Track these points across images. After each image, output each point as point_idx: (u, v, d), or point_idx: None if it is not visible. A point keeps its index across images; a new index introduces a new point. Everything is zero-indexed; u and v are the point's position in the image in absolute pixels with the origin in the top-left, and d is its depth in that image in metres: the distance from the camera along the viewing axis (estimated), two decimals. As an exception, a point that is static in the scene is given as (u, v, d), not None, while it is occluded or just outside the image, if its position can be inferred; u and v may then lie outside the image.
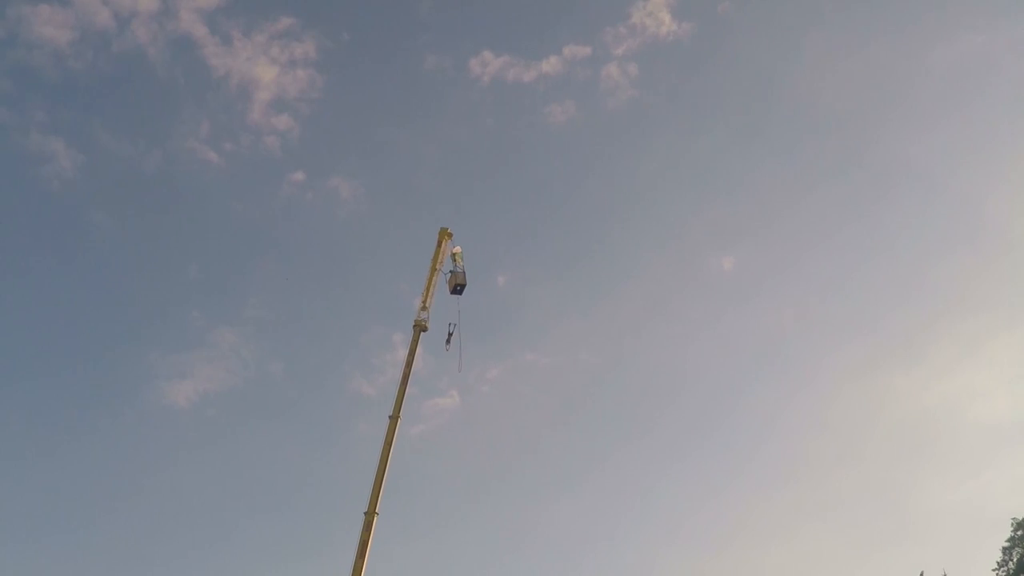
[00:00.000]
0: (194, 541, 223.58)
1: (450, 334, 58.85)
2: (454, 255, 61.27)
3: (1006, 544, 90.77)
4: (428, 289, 59.34)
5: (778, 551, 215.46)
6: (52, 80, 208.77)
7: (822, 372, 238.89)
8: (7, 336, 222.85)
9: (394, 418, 53.39)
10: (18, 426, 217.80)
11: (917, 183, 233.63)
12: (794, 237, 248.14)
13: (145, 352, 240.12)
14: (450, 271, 60.74)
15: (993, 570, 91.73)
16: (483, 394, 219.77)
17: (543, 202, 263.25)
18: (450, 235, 61.63)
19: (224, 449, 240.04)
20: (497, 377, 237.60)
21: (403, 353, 57.07)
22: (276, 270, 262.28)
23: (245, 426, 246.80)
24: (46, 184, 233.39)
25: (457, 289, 60.43)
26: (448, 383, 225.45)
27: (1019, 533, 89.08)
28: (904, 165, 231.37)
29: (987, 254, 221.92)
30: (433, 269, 60.11)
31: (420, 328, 57.64)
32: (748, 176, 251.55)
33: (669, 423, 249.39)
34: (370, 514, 50.30)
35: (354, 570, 48.72)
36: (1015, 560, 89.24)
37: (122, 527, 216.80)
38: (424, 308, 58.50)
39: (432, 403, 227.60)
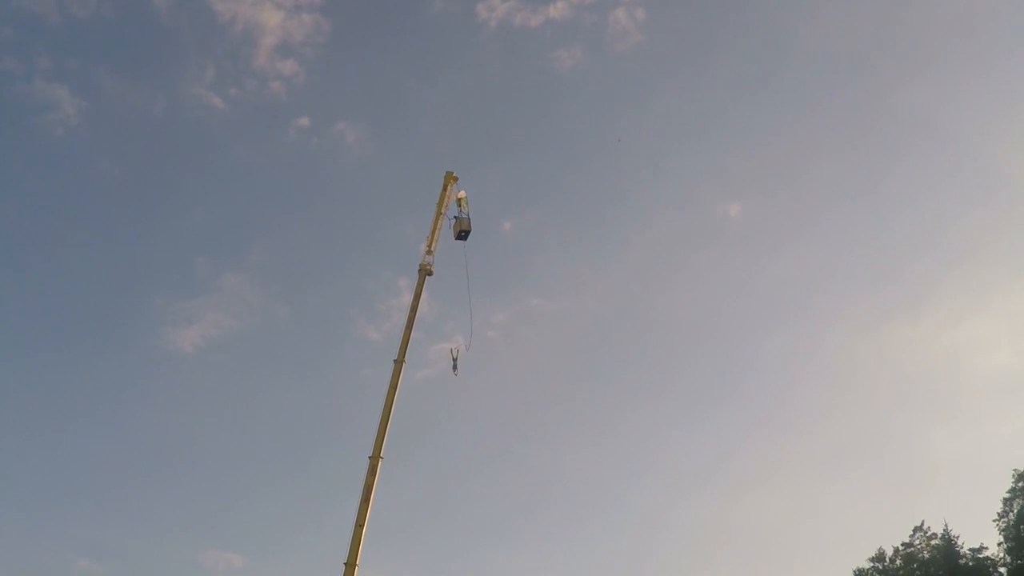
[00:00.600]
0: (199, 485, 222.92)
1: (455, 360, 57.27)
2: (459, 200, 60.52)
3: (1007, 495, 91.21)
4: (433, 233, 58.74)
5: (784, 499, 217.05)
6: (56, 27, 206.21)
7: (822, 318, 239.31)
8: (14, 284, 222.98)
9: (399, 362, 53.10)
10: (25, 373, 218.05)
11: (928, 136, 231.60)
12: (803, 186, 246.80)
13: (151, 298, 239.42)
14: (455, 216, 60.03)
15: (993, 520, 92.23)
16: (489, 339, 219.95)
17: (550, 148, 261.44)
18: (455, 179, 60.95)
19: (230, 394, 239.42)
20: (503, 322, 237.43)
21: (409, 298, 56.75)
22: (282, 216, 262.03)
23: (251, 371, 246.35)
24: (50, 131, 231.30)
25: (461, 235, 59.82)
26: (454, 327, 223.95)
27: (1020, 484, 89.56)
28: (917, 118, 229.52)
29: (997, 208, 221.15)
30: (438, 213, 59.45)
31: (425, 272, 57.16)
32: (757, 124, 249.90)
33: (675, 371, 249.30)
34: (375, 458, 50.07)
35: (359, 514, 48.54)
36: (1015, 511, 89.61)
37: (128, 471, 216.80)
38: (429, 252, 57.95)
39: (437, 348, 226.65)
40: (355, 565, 47.34)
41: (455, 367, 56.89)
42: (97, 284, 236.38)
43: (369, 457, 50.17)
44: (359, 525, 48.15)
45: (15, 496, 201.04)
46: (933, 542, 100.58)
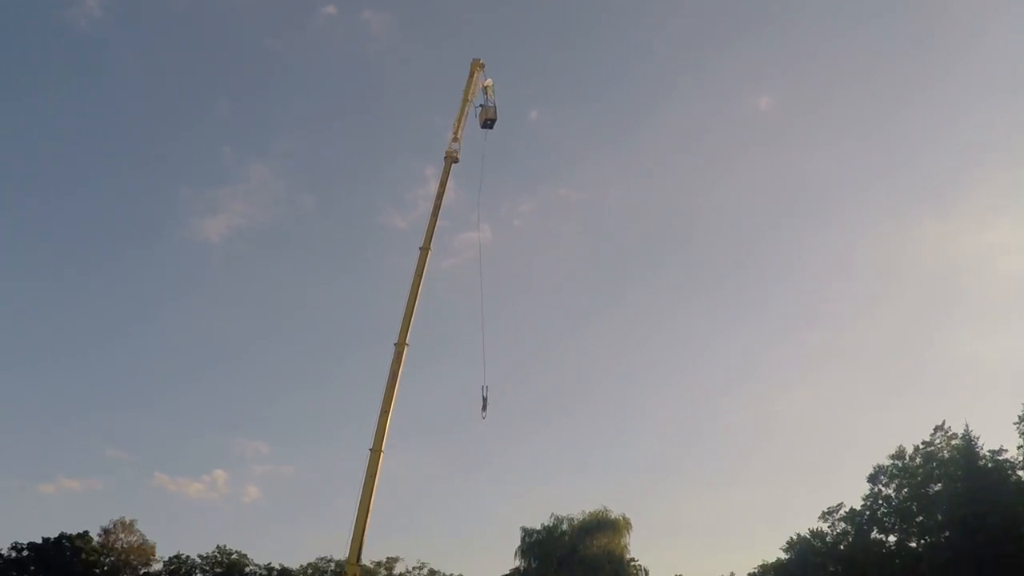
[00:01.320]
0: (226, 374, 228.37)
1: (484, 399, 51.87)
2: (486, 88, 59.98)
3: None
4: (459, 121, 58.12)
5: (798, 393, 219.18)
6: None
7: (851, 216, 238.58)
8: (42, 174, 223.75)
9: (424, 249, 52.93)
10: (52, 260, 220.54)
11: (958, 30, 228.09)
12: (832, 78, 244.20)
13: (176, 188, 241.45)
14: (481, 105, 59.35)
15: (1014, 423, 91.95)
16: (515, 228, 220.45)
17: (579, 38, 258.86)
18: (482, 66, 60.09)
19: (256, 284, 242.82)
20: (529, 211, 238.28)
21: (435, 186, 56.32)
22: (308, 105, 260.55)
23: (277, 261, 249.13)
24: (75, 25, 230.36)
25: (487, 124, 59.42)
26: (480, 216, 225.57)
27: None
28: (945, 10, 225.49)
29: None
30: (465, 100, 58.79)
31: (451, 160, 56.67)
32: (787, 14, 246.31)
33: (698, 260, 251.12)
34: (400, 345, 50.15)
35: (384, 400, 48.80)
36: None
37: (154, 361, 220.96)
38: (455, 139, 57.43)
39: (463, 237, 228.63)
40: (380, 451, 47.71)
41: (484, 407, 52.02)
42: (123, 175, 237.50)
43: (395, 344, 50.21)
44: (384, 412, 48.49)
45: (44, 384, 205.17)
46: (953, 442, 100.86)
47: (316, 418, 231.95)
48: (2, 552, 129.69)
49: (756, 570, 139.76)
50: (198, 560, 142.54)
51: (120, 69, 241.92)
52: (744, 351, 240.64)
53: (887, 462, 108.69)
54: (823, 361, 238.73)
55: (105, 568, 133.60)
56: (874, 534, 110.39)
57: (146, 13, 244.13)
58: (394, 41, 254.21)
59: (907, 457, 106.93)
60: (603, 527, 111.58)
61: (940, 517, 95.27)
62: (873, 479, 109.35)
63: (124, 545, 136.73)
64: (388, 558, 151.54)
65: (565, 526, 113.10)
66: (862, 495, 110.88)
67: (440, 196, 55.08)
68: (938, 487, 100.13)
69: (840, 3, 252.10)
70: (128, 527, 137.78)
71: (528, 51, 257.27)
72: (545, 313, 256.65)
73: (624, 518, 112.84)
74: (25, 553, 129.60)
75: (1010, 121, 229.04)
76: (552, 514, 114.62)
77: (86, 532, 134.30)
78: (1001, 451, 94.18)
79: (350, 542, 46.07)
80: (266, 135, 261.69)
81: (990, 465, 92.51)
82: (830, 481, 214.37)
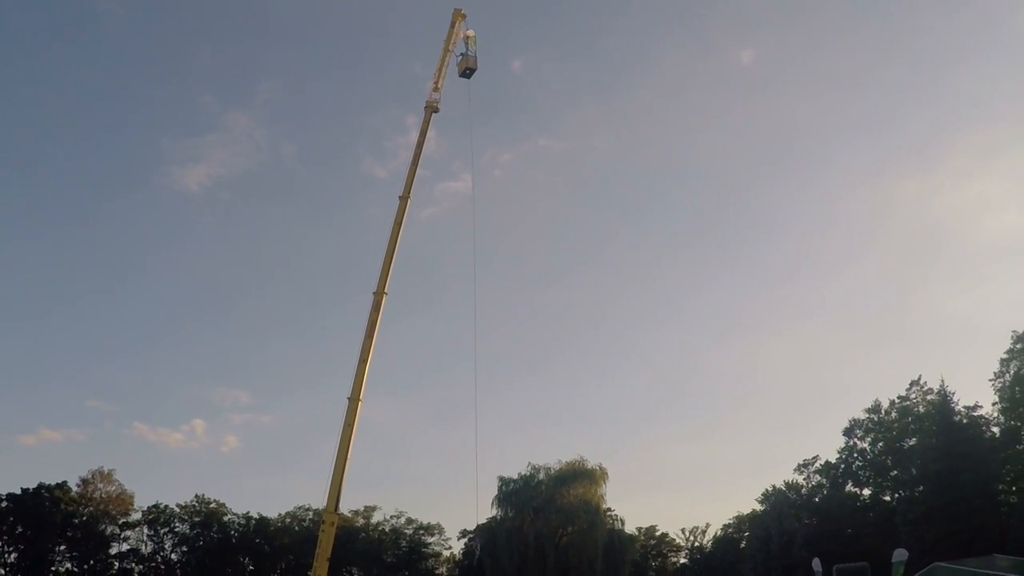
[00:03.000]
0: (206, 324, 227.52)
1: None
2: (467, 38, 59.51)
3: (1004, 356, 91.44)
4: (440, 70, 57.69)
5: (779, 343, 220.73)
6: None
7: (832, 170, 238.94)
8: (22, 123, 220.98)
9: (404, 198, 52.73)
10: (32, 209, 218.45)
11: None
12: (816, 32, 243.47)
13: (157, 137, 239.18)
14: (461, 54, 58.96)
15: (990, 380, 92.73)
16: (495, 178, 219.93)
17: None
18: (463, 16, 59.68)
19: (236, 233, 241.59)
20: (510, 161, 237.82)
21: (415, 136, 55.93)
22: (288, 54, 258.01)
23: (257, 210, 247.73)
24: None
25: (466, 73, 59.22)
26: (460, 166, 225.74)
27: (1018, 346, 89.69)
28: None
29: (1010, 63, 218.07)
30: (445, 50, 58.42)
31: (431, 109, 56.37)
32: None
33: (678, 213, 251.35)
34: (379, 294, 50.03)
35: (363, 350, 48.73)
36: (1012, 372, 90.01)
37: (134, 311, 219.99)
38: (436, 89, 57.00)
39: (444, 186, 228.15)
40: (358, 400, 47.75)
41: None
42: (103, 123, 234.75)
43: (373, 293, 50.08)
44: (363, 361, 48.44)
45: (24, 336, 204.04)
46: (929, 397, 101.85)
47: (296, 367, 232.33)
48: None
49: (731, 521, 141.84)
50: (176, 509, 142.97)
51: (99, 16, 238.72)
52: (724, 303, 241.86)
53: (863, 416, 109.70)
54: (804, 314, 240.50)
55: (84, 518, 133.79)
56: (849, 487, 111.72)
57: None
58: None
59: (883, 411, 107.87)
60: (580, 477, 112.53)
61: (914, 471, 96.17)
62: (848, 432, 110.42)
63: (103, 495, 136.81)
64: (366, 507, 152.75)
65: (542, 475, 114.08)
66: (837, 448, 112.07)
67: (420, 146, 54.78)
68: (913, 442, 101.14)
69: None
70: (107, 477, 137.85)
71: (512, 1, 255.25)
72: (525, 264, 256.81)
73: (601, 468, 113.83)
74: (3, 504, 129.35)
75: (992, 78, 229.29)
76: (529, 463, 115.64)
77: (64, 482, 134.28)
78: (976, 407, 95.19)
79: (328, 491, 46.17)
80: (247, 84, 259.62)
81: (965, 421, 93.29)
82: (808, 434, 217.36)
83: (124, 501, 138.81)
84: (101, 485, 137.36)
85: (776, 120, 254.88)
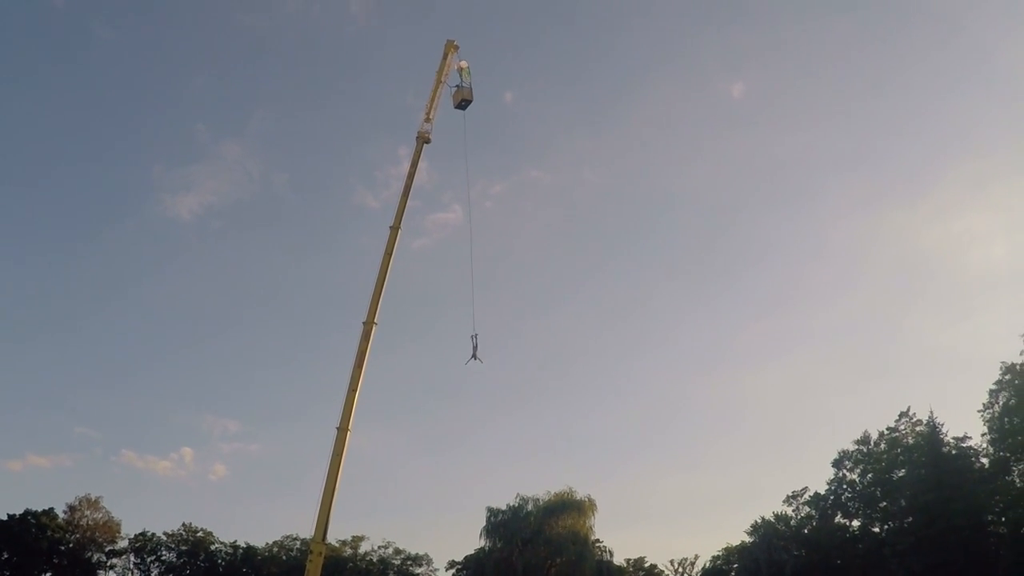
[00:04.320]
0: (197, 352, 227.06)
1: (474, 348, 52.72)
2: (460, 69, 59.40)
3: (993, 387, 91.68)
4: (432, 101, 57.72)
5: (768, 374, 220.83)
6: None
7: (822, 202, 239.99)
8: (13, 149, 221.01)
9: (394, 228, 52.69)
10: (23, 235, 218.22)
11: (932, 21, 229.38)
12: (805, 66, 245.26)
13: (149, 165, 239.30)
14: (456, 86, 58.95)
15: (979, 411, 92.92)
16: (487, 209, 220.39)
17: (554, 19, 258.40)
18: (456, 48, 59.71)
19: (227, 262, 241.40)
20: (501, 192, 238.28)
21: (407, 166, 55.92)
22: (282, 83, 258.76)
23: (248, 238, 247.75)
24: (49, 1, 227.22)
25: (462, 104, 58.95)
26: (451, 197, 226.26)
27: (1007, 377, 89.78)
28: (918, 3, 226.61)
29: (998, 96, 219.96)
30: (438, 82, 58.36)
31: (423, 140, 56.36)
32: (763, 2, 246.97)
33: (668, 244, 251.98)
34: (368, 324, 49.95)
35: (352, 379, 48.61)
36: (1001, 404, 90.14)
37: (125, 338, 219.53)
38: (428, 120, 57.01)
39: (435, 217, 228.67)
40: (347, 430, 47.55)
41: (475, 354, 52.78)
42: (96, 150, 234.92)
43: (363, 322, 50.07)
44: (352, 390, 48.29)
45: (13, 361, 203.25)
46: (918, 428, 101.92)
47: (286, 396, 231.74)
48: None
49: (720, 552, 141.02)
50: (163, 537, 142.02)
51: (95, 45, 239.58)
52: (714, 335, 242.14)
53: (852, 447, 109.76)
54: (793, 346, 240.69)
55: (70, 545, 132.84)
56: (838, 518, 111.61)
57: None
58: (370, 21, 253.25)
59: (872, 443, 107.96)
60: (568, 508, 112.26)
61: (903, 503, 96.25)
62: (838, 464, 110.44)
63: (89, 522, 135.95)
64: (354, 537, 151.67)
65: (530, 506, 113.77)
66: (827, 480, 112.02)
67: (411, 176, 54.83)
68: (902, 473, 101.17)
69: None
70: (94, 504, 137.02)
71: (504, 33, 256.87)
72: (515, 295, 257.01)
73: (589, 499, 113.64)
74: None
75: (978, 113, 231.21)
76: (518, 494, 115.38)
77: (51, 509, 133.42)
78: (965, 438, 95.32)
79: (316, 520, 45.96)
80: (240, 113, 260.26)
81: (954, 452, 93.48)
82: (798, 465, 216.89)
83: (111, 528, 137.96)
84: (88, 512, 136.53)
85: (765, 152, 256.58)
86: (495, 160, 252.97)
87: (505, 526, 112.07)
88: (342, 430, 47.50)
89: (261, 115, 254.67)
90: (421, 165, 55.97)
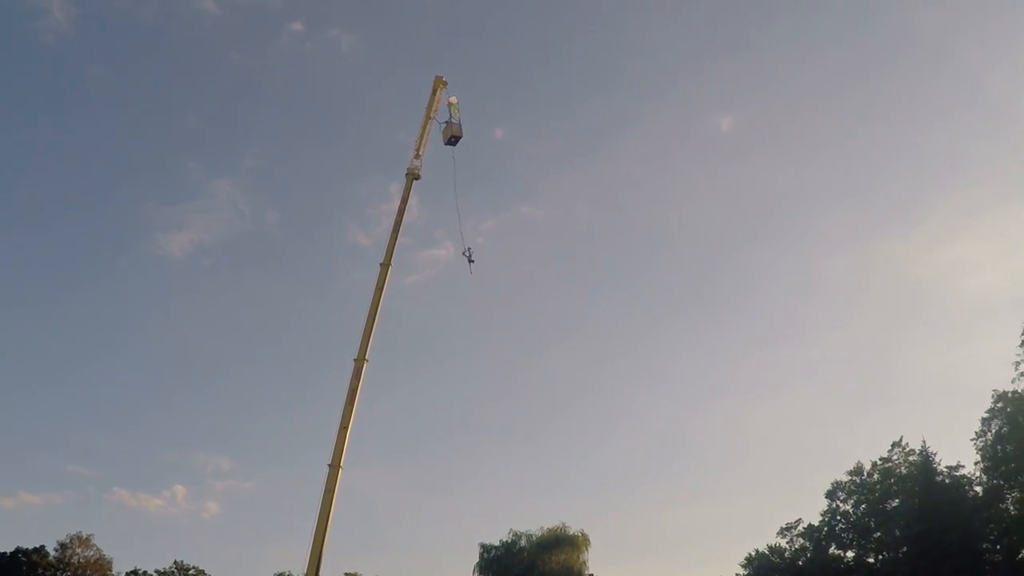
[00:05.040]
0: (188, 389, 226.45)
1: (470, 260, 55.56)
2: (450, 105, 59.39)
3: (985, 415, 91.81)
4: (422, 137, 57.82)
5: (762, 407, 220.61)
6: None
7: (815, 234, 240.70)
8: (5, 185, 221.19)
9: (385, 265, 52.68)
10: (16, 275, 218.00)
11: (921, 52, 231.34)
12: (795, 98, 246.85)
13: (141, 203, 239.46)
14: (446, 122, 58.94)
15: (971, 439, 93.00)
16: (478, 245, 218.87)
17: (543, 55, 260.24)
18: (444, 84, 59.83)
19: (219, 298, 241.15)
20: (492, 229, 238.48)
21: (399, 203, 55.95)
22: (274, 122, 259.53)
23: (240, 276, 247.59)
24: (42, 38, 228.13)
25: (452, 140, 58.72)
26: (443, 234, 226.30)
27: (999, 405, 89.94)
28: (910, 32, 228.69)
29: (987, 127, 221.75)
30: (427, 118, 58.42)
31: (412, 176, 56.41)
32: (751, 35, 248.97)
33: (662, 279, 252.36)
34: (359, 361, 49.87)
35: (343, 416, 48.52)
36: (994, 431, 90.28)
37: (116, 376, 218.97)
38: (417, 156, 57.08)
39: (426, 254, 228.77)
40: (339, 467, 47.42)
41: (470, 260, 55.56)
42: (88, 189, 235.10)
43: (354, 360, 50.03)
44: (343, 427, 48.19)
45: (5, 400, 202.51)
46: (911, 458, 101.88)
47: (279, 433, 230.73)
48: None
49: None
50: (155, 575, 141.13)
51: (86, 83, 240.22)
52: (708, 369, 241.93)
53: (845, 478, 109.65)
54: (788, 378, 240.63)
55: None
56: (832, 550, 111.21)
57: (114, 27, 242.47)
58: (361, 59, 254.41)
59: (865, 473, 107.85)
60: (562, 543, 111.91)
61: (898, 533, 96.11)
62: (831, 495, 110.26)
63: (81, 560, 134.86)
64: (347, 574, 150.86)
65: (524, 542, 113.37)
66: (820, 511, 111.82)
67: (401, 212, 54.85)
68: (896, 503, 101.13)
69: (803, 26, 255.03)
70: (85, 542, 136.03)
71: (495, 70, 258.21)
72: (508, 330, 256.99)
73: (583, 534, 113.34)
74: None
75: (970, 142, 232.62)
76: (511, 530, 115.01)
77: (42, 547, 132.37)
78: (958, 467, 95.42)
79: (308, 558, 45.78)
80: (232, 151, 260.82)
81: (947, 481, 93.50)
82: (792, 497, 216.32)
83: (102, 566, 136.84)
84: (79, 550, 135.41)
85: (757, 186, 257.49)
86: (486, 196, 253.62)
87: (498, 562, 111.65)
88: (334, 467, 47.37)
89: (253, 153, 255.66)
90: (412, 202, 56.09)
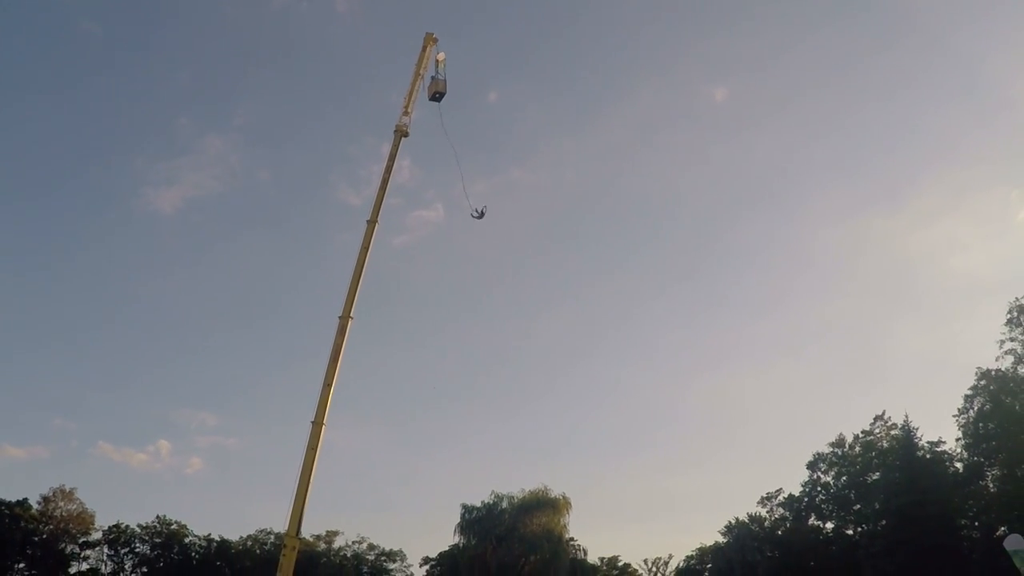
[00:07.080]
0: (175, 345, 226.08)
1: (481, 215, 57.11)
2: (438, 62, 58.88)
3: (968, 392, 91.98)
4: (411, 95, 57.16)
5: (752, 380, 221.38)
6: None
7: (807, 208, 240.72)
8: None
9: (371, 222, 52.21)
10: (2, 228, 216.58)
11: (917, 34, 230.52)
12: (790, 74, 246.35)
13: (132, 158, 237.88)
14: (432, 77, 58.46)
15: (953, 416, 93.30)
16: (467, 207, 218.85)
17: (541, 21, 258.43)
18: (435, 40, 58.99)
19: (208, 255, 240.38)
20: (484, 192, 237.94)
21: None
22: (267, 79, 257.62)
23: (230, 233, 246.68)
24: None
25: (436, 96, 58.13)
26: (434, 195, 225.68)
27: (982, 383, 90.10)
28: (907, 14, 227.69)
29: (980, 110, 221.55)
30: (416, 74, 57.73)
31: (401, 133, 55.78)
32: (751, 9, 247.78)
33: (653, 249, 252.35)
34: (344, 318, 49.54)
35: (327, 374, 48.26)
36: (976, 409, 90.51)
37: (103, 331, 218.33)
38: (406, 114, 56.41)
39: (416, 214, 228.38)
40: (322, 424, 47.24)
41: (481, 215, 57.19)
42: (78, 144, 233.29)
43: (339, 317, 49.77)
44: (327, 385, 47.93)
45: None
46: (893, 432, 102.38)
47: (264, 391, 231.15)
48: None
49: (694, 552, 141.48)
50: (137, 530, 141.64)
51: (77, 37, 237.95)
52: (696, 339, 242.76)
53: (827, 450, 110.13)
54: (775, 350, 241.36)
55: (44, 536, 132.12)
56: (812, 520, 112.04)
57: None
58: (356, 19, 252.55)
59: (847, 446, 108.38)
60: (543, 506, 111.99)
61: (877, 506, 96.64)
62: (812, 466, 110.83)
63: (63, 513, 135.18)
64: (328, 532, 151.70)
65: (505, 504, 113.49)
66: (801, 482, 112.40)
67: (389, 170, 54.26)
68: (876, 476, 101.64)
69: (803, 1, 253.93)
70: (68, 495, 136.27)
71: (490, 34, 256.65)
72: (496, 294, 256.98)
73: (564, 497, 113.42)
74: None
75: (963, 122, 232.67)
76: (492, 491, 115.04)
77: (25, 500, 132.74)
78: (939, 443, 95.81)
79: (290, 514, 45.68)
80: (224, 107, 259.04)
81: (928, 456, 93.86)
82: (777, 468, 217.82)
83: (85, 520, 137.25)
84: (62, 503, 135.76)
85: (749, 157, 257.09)
86: (478, 159, 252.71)
87: (479, 523, 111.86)
88: (317, 424, 47.21)
89: (245, 110, 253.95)
90: (403, 162, 55.90)
